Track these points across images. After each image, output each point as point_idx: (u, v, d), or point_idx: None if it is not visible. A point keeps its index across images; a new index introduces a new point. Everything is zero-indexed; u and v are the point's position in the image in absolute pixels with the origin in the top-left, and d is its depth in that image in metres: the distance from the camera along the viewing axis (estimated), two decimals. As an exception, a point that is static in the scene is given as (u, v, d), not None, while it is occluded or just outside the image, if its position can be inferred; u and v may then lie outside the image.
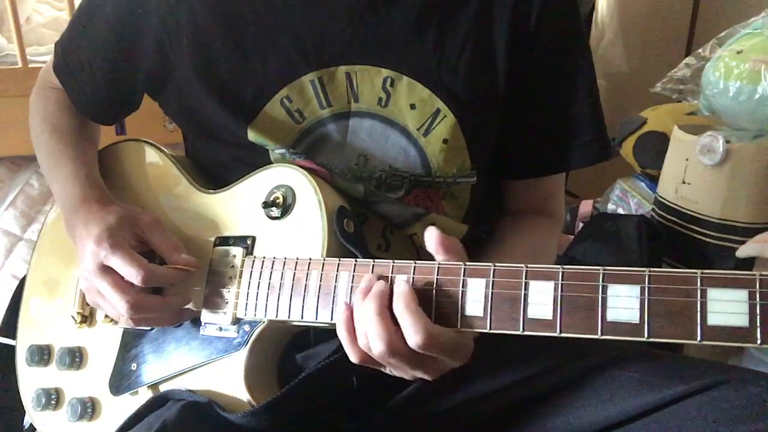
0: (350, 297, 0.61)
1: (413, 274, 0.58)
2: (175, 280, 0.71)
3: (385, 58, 0.73)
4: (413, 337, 0.54)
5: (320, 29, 0.73)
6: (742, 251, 1.03)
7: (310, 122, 0.74)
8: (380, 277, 0.59)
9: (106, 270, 0.69)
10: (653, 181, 1.44)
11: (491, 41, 0.75)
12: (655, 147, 1.42)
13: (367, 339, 0.57)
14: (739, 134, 1.18)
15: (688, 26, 1.90)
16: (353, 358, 0.59)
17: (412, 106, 0.74)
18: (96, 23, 0.80)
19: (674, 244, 1.27)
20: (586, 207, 1.60)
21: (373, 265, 0.61)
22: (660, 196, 1.32)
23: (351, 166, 0.74)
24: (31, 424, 0.85)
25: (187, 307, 0.72)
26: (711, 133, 1.17)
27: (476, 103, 0.75)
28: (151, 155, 0.84)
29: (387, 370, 0.60)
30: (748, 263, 1.11)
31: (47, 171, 0.83)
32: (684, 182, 1.24)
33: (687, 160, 1.22)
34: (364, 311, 0.57)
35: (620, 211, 1.52)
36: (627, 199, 1.52)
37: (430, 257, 0.76)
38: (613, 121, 1.57)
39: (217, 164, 0.81)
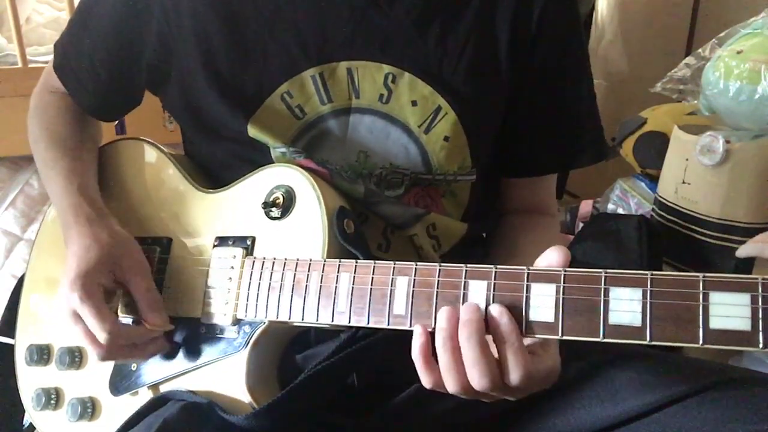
0: (352, 298, 0.61)
1: (414, 275, 0.58)
2: (141, 341, 0.70)
3: (387, 54, 0.73)
4: (512, 375, 0.53)
5: (322, 24, 0.73)
6: (742, 251, 1.04)
7: (311, 118, 0.74)
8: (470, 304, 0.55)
9: (78, 317, 0.68)
10: (653, 181, 1.44)
11: (493, 40, 0.75)
12: (655, 147, 1.42)
13: (463, 371, 0.54)
14: (739, 134, 1.18)
15: (688, 26, 1.90)
16: (428, 383, 0.57)
17: (414, 103, 0.74)
18: (97, 18, 0.80)
19: (674, 244, 1.27)
20: (586, 207, 1.60)
21: (374, 267, 0.61)
22: (660, 196, 1.32)
23: (351, 162, 0.74)
24: (30, 424, 0.85)
25: (160, 341, 0.72)
26: (711, 133, 1.17)
27: (478, 100, 0.75)
28: (150, 154, 0.84)
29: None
30: (748, 263, 1.11)
31: (44, 180, 0.83)
32: (684, 182, 1.24)
33: (687, 160, 1.22)
34: (462, 343, 0.54)
35: (620, 211, 1.52)
36: (627, 199, 1.52)
37: (431, 258, 0.77)
38: (613, 121, 1.58)
39: (217, 162, 0.81)
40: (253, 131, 0.73)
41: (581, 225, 1.53)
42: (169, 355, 0.73)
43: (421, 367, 0.56)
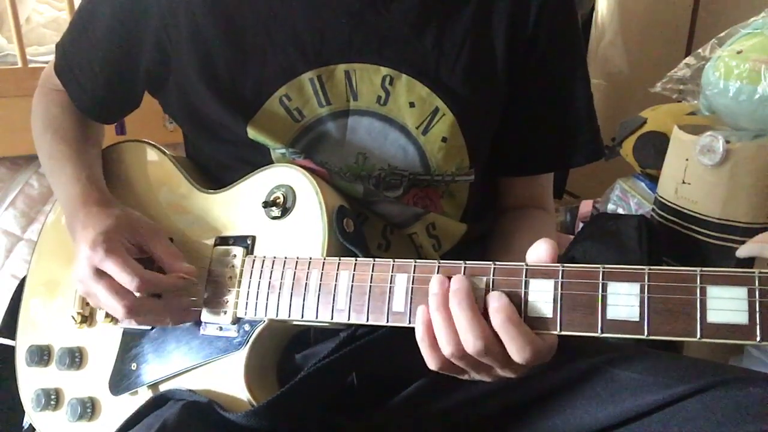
0: (351, 296, 0.61)
1: (413, 273, 0.58)
2: (172, 287, 0.70)
3: (385, 56, 0.73)
4: (521, 353, 0.53)
5: (319, 27, 0.73)
6: (742, 251, 1.03)
7: (309, 120, 0.74)
8: (448, 277, 0.56)
9: (102, 274, 0.68)
10: (653, 181, 1.44)
11: (490, 41, 0.75)
12: (655, 147, 1.43)
13: (457, 340, 0.54)
14: (739, 134, 1.18)
15: (688, 26, 1.91)
16: (433, 364, 0.57)
17: (411, 105, 0.74)
18: (96, 22, 0.81)
19: (674, 244, 1.27)
20: (586, 207, 1.60)
21: (373, 264, 0.61)
22: (660, 196, 1.32)
23: (350, 164, 0.74)
24: (30, 425, 0.85)
25: (190, 308, 0.72)
26: (711, 133, 1.17)
27: (475, 101, 0.76)
28: (152, 156, 0.84)
29: (467, 377, 0.59)
30: (748, 263, 1.11)
31: (48, 172, 0.83)
32: (684, 182, 1.24)
33: (687, 160, 1.22)
34: (453, 310, 0.55)
35: (620, 211, 1.52)
36: (627, 199, 1.52)
37: (431, 257, 0.77)
38: (613, 121, 1.58)
39: (218, 164, 0.81)
40: (252, 134, 0.73)
41: (581, 225, 1.53)
42: (169, 354, 0.73)
43: (426, 347, 0.57)
